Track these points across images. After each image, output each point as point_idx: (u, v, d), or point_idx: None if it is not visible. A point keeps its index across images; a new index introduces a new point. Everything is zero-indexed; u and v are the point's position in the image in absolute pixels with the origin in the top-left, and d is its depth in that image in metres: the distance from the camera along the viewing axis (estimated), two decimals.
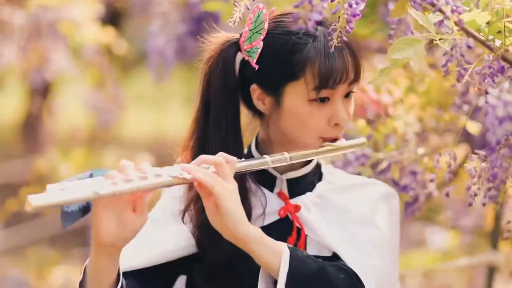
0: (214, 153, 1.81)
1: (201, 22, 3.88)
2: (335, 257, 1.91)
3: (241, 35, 1.90)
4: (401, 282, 4.18)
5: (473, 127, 2.56)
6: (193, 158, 1.84)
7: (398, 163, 2.37)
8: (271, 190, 1.95)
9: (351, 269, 1.85)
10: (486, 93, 1.71)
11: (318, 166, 2.01)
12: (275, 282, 1.79)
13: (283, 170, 1.95)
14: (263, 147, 1.96)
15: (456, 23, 1.71)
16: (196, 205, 1.89)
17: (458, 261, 4.13)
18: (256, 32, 1.87)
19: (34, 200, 1.56)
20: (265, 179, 1.95)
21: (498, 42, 1.80)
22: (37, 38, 4.46)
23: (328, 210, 1.94)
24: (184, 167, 1.73)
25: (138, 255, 1.88)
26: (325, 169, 2.02)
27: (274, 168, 1.92)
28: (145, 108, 10.34)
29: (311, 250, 1.92)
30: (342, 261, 1.89)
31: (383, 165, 2.35)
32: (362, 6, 1.77)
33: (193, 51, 3.83)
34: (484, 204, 1.86)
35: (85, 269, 1.76)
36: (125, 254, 1.76)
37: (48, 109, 6.84)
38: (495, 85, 1.76)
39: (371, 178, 2.16)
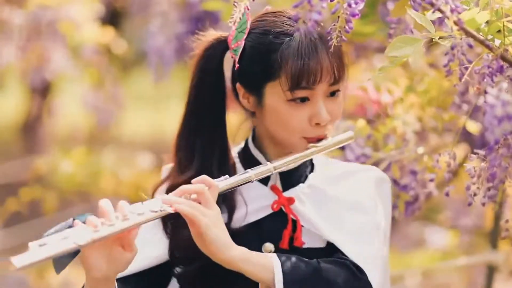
0: (202, 150, 1.85)
1: (200, 22, 3.88)
2: (330, 247, 1.91)
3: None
4: (400, 281, 4.18)
5: (473, 127, 2.56)
6: (183, 158, 1.88)
7: (398, 162, 2.37)
8: (265, 183, 1.95)
9: (351, 261, 1.86)
10: (485, 92, 1.71)
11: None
12: None
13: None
14: (260, 141, 1.96)
15: (455, 23, 1.71)
16: (172, 221, 1.90)
17: (457, 261, 4.13)
18: (241, 31, 1.87)
19: (18, 262, 1.60)
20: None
21: (497, 42, 1.80)
22: (36, 38, 4.46)
23: (321, 201, 1.94)
24: (165, 200, 1.74)
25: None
26: (317, 159, 2.01)
27: (268, 160, 1.91)
28: (144, 107, 10.33)
29: (307, 242, 1.92)
30: (339, 252, 1.89)
31: (383, 164, 2.35)
32: (361, 5, 1.77)
33: (192, 50, 3.83)
34: (483, 204, 1.86)
35: None
36: None
37: (48, 109, 6.84)
38: (494, 85, 1.76)
39: None
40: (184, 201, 1.75)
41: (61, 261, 1.68)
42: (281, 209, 1.93)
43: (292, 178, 1.95)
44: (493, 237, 3.29)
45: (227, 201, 1.90)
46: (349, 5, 1.75)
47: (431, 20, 1.79)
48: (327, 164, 2.02)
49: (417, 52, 1.78)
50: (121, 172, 4.86)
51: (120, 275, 1.80)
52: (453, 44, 1.76)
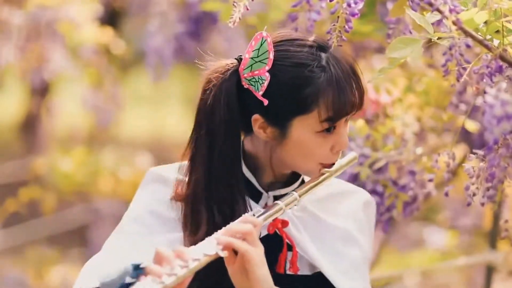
0: (219, 181, 1.83)
1: (199, 22, 3.89)
2: (318, 275, 1.91)
3: (239, 61, 1.85)
4: (399, 281, 4.18)
5: (472, 127, 2.56)
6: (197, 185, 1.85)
7: (397, 162, 2.37)
8: (256, 201, 1.91)
9: None
10: (484, 92, 1.72)
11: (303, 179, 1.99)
12: None
13: (268, 185, 1.92)
14: (249, 159, 1.91)
15: (454, 23, 1.72)
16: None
17: (456, 261, 4.13)
18: (260, 61, 1.82)
19: None
20: (252, 195, 1.91)
21: (496, 42, 1.80)
22: (35, 38, 4.46)
23: (314, 228, 1.93)
24: (220, 241, 1.73)
25: (139, 254, 1.84)
26: (306, 178, 1.99)
27: (260, 184, 1.90)
28: (143, 107, 10.32)
29: (301, 268, 1.92)
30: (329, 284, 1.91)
31: (382, 164, 2.36)
32: (360, 5, 1.77)
33: (191, 51, 3.83)
34: (482, 204, 1.86)
35: None
36: (125, 250, 1.77)
37: (47, 109, 6.84)
38: (493, 85, 1.77)
39: (369, 178, 2.15)
40: (235, 239, 1.75)
41: None
42: (274, 232, 1.91)
43: (282, 196, 1.90)
44: (492, 237, 3.29)
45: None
46: (349, 5, 1.76)
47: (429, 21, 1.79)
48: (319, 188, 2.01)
49: (416, 52, 1.78)
50: (120, 172, 4.86)
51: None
52: (451, 44, 1.76)
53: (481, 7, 1.78)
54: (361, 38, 2.76)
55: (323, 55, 1.81)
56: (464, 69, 1.78)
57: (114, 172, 4.86)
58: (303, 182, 1.96)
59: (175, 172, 1.92)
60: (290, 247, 1.91)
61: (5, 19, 4.43)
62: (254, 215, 1.81)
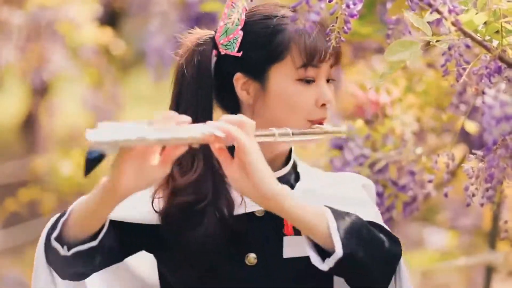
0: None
1: (199, 22, 3.89)
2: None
3: (215, 31, 1.91)
4: None
5: (471, 127, 2.56)
6: (183, 160, 1.83)
7: (396, 163, 2.37)
8: None
9: (385, 228, 1.84)
10: (483, 93, 1.72)
11: (294, 166, 2.00)
12: (315, 245, 1.75)
13: None
14: None
15: (453, 24, 1.72)
16: (165, 191, 1.87)
17: (456, 261, 4.13)
18: (232, 25, 1.88)
19: (92, 136, 1.57)
20: None
21: (495, 43, 1.80)
22: (35, 38, 4.46)
23: (311, 198, 1.89)
24: (217, 125, 1.70)
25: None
26: (301, 168, 2.00)
27: None
28: (143, 107, 10.32)
29: (292, 251, 1.89)
30: None
31: (381, 164, 2.36)
32: (359, 6, 1.77)
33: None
34: (482, 205, 1.86)
35: (71, 210, 1.74)
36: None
37: (47, 109, 6.84)
38: (492, 86, 1.77)
39: (369, 178, 2.15)
40: (233, 127, 1.70)
41: (91, 163, 1.63)
42: (263, 217, 1.90)
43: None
44: (492, 238, 3.29)
45: (224, 198, 1.88)
46: (348, 6, 1.76)
47: (428, 21, 1.79)
48: (312, 173, 2.01)
49: (415, 54, 1.78)
50: None
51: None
52: (450, 44, 1.76)
53: (481, 8, 1.78)
54: (361, 39, 2.76)
55: (292, 11, 1.88)
56: (464, 69, 1.78)
57: None
58: (295, 166, 1.97)
59: None
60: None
61: (5, 19, 4.43)
62: None
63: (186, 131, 1.68)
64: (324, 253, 1.75)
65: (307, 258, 1.79)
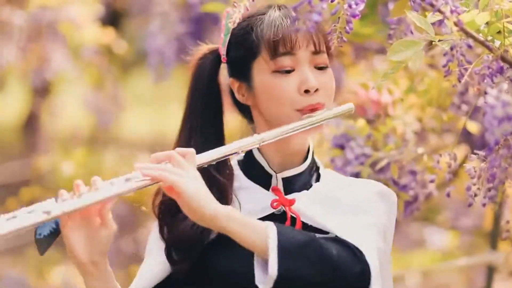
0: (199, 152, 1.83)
1: (201, 22, 3.89)
2: None
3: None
4: (400, 281, 4.17)
5: (473, 127, 2.56)
6: None
7: (398, 162, 2.37)
8: (267, 188, 1.94)
9: (351, 243, 1.80)
10: (485, 93, 1.72)
11: (316, 166, 1.99)
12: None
13: (278, 169, 1.93)
14: (264, 147, 1.93)
15: (455, 24, 1.72)
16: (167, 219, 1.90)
17: (457, 261, 4.14)
18: (227, 34, 1.94)
19: None
20: (260, 177, 1.93)
21: (497, 43, 1.80)
22: (36, 39, 4.47)
23: (323, 202, 1.91)
24: (139, 168, 1.74)
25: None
26: (324, 171, 1.99)
27: (270, 166, 1.92)
28: (144, 108, 10.33)
29: None
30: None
31: (382, 164, 2.36)
32: (361, 6, 1.77)
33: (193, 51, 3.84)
34: (484, 205, 1.86)
35: None
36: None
37: (48, 109, 6.84)
38: (494, 86, 1.77)
39: (370, 178, 2.15)
40: (154, 166, 1.74)
41: (43, 242, 1.71)
42: (281, 211, 1.92)
43: (296, 184, 1.93)
44: (493, 238, 3.30)
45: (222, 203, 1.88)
46: (350, 6, 1.76)
47: (430, 22, 1.79)
48: (334, 177, 2.00)
49: (417, 54, 1.78)
50: (122, 173, 4.85)
51: None
52: (452, 44, 1.76)
53: (483, 8, 1.78)
54: (362, 39, 2.76)
55: (271, 8, 1.92)
56: (466, 69, 1.78)
57: (115, 173, 4.85)
58: (317, 167, 1.97)
59: None
60: (295, 221, 1.90)
61: (6, 20, 4.44)
62: None
63: (109, 186, 1.74)
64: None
65: None
